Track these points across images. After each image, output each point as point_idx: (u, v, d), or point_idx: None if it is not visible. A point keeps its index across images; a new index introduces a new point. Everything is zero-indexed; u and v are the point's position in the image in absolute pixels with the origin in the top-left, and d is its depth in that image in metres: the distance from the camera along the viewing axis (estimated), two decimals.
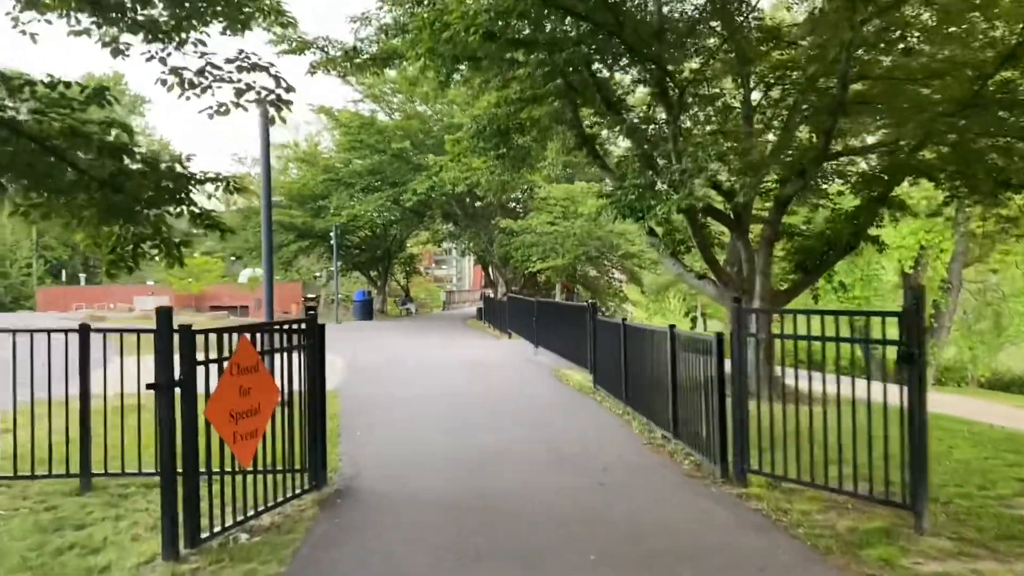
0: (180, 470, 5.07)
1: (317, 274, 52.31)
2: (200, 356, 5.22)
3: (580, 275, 32.59)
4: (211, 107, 6.49)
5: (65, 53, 74.60)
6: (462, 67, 12.35)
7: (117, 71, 75.62)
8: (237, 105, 6.48)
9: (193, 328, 5.24)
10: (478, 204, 31.61)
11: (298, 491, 6.23)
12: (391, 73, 28.14)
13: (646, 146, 13.06)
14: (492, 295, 34.51)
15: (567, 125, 14.75)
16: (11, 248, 59.82)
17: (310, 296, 58.53)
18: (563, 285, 40.53)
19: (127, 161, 6.06)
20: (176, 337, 5.12)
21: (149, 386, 5.10)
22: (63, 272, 61.89)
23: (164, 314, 5.13)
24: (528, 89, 12.49)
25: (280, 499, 5.98)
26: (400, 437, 8.87)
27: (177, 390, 5.05)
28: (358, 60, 13.19)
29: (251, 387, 5.49)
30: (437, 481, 6.93)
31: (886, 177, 12.06)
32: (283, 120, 7.25)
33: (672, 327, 8.43)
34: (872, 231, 12.93)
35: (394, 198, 28.88)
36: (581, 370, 14.56)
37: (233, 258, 47.82)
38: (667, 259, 14.00)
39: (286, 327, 6.29)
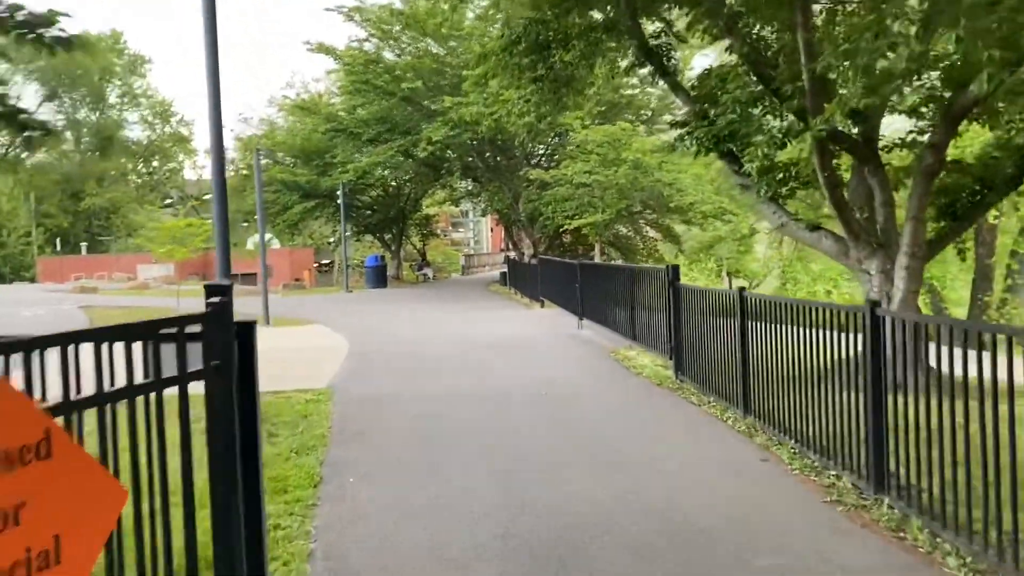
0: None
1: (331, 239, 49.18)
2: None
3: (611, 233, 29.13)
4: None
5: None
6: None
7: (115, 29, 72.31)
8: None
9: None
10: (499, 158, 28.03)
11: None
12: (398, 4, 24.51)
13: (746, 50, 9.52)
14: (517, 258, 31.12)
15: (626, 34, 11.26)
16: (8, 215, 56.94)
17: (324, 262, 55.72)
18: (590, 244, 37.13)
19: None
20: None
21: None
22: (63, 241, 59.12)
23: None
24: None
25: None
26: (420, 491, 5.55)
27: None
28: None
29: (27, 501, 2.16)
30: None
31: None
32: None
33: (875, 305, 5.04)
34: None
35: (405, 149, 25.38)
36: (647, 351, 11.24)
37: (244, 223, 44.67)
38: (765, 205, 10.53)
39: (153, 331, 2.92)
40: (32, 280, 53.17)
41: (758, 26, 9.62)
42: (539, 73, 12.11)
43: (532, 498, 5.14)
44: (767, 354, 6.72)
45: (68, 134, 70.93)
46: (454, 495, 5.25)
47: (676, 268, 9.68)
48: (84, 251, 56.15)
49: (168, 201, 75.02)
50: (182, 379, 2.84)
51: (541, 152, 28.51)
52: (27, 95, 63.21)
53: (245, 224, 44.40)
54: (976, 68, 6.19)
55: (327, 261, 52.34)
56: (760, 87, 9.21)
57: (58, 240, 58.69)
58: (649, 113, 26.84)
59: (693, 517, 4.75)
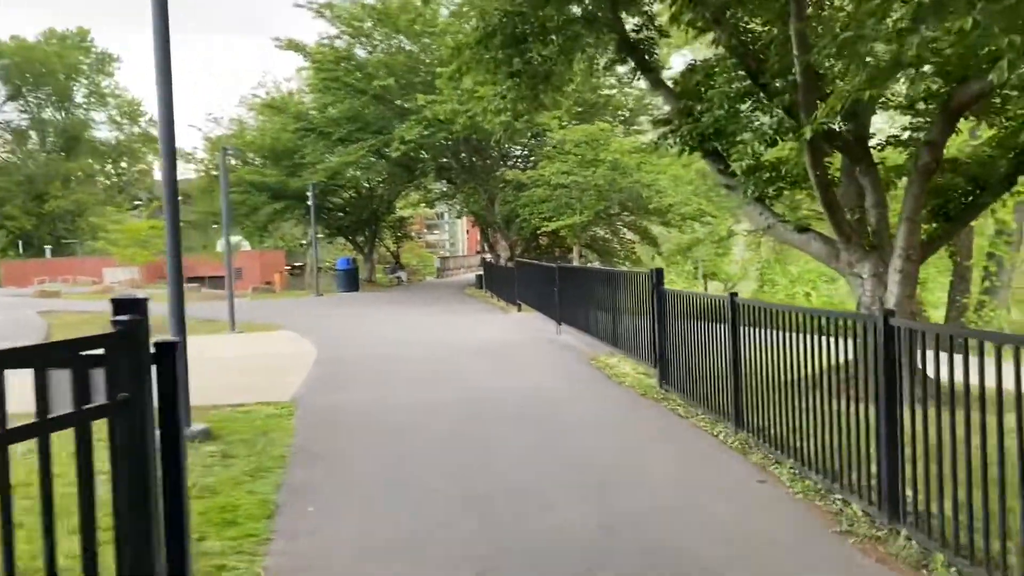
0: None
1: (303, 241, 48.29)
2: None
3: (588, 235, 28.68)
4: None
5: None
6: None
7: (82, 27, 70.59)
8: None
9: None
10: (475, 159, 27.47)
11: None
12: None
13: (734, 42, 9.07)
14: (493, 261, 30.59)
15: (606, 28, 10.82)
16: None
17: (296, 265, 54.77)
18: (567, 247, 36.66)
19: None
20: None
21: None
22: (26, 244, 57.49)
23: None
24: None
25: None
26: (389, 524, 4.99)
27: None
28: None
29: None
30: None
31: None
32: None
33: (890, 314, 4.58)
34: None
35: (377, 149, 24.74)
36: (628, 357, 10.78)
37: (215, 224, 43.65)
38: (751, 206, 10.11)
39: (45, 358, 2.33)
40: None
41: (747, 17, 9.18)
42: (516, 68, 11.59)
43: (515, 532, 4.61)
44: (762, 364, 6.26)
45: (33, 134, 69.32)
46: (428, 529, 4.70)
47: (660, 272, 9.21)
48: (48, 254, 54.63)
49: (137, 203, 73.54)
50: (80, 418, 2.27)
51: (518, 153, 28.01)
52: None
53: (215, 226, 43.41)
54: (987, 56, 5.78)
55: (299, 264, 51.39)
56: (748, 82, 8.77)
57: (20, 243, 57.09)
58: (627, 114, 26.46)
59: (695, 552, 4.25)
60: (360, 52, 24.29)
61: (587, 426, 7.45)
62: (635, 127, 26.53)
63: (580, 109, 21.14)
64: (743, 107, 8.86)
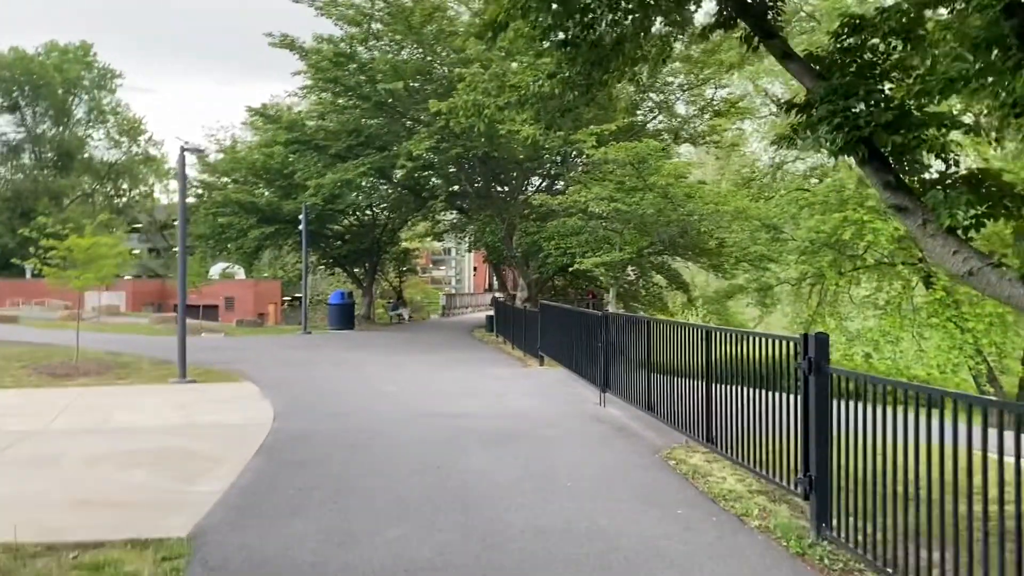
0: None
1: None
2: None
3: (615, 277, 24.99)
4: None
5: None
6: None
7: (85, 41, 68.09)
8: None
9: None
10: (492, 183, 23.92)
11: None
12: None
13: None
14: (507, 300, 26.89)
15: None
16: None
17: (295, 296, 51.15)
18: (588, 292, 32.89)
19: None
20: None
21: None
22: (6, 262, 53.96)
23: None
24: None
25: None
26: None
27: None
28: None
29: None
30: None
31: None
32: None
33: None
34: None
35: (380, 167, 21.20)
36: (731, 463, 7.06)
37: (219, 252, 40.20)
38: (940, 239, 6.43)
39: None
40: None
41: None
42: (571, 35, 8.09)
43: None
44: None
45: (27, 149, 66.33)
46: None
47: (822, 341, 5.45)
48: (29, 275, 51.08)
49: (137, 226, 70.31)
50: None
51: (541, 175, 24.39)
52: None
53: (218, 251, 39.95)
54: None
55: (298, 295, 47.91)
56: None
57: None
58: (669, 139, 22.92)
59: None
60: (365, 54, 20.86)
61: None
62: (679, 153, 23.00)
63: (616, 127, 17.67)
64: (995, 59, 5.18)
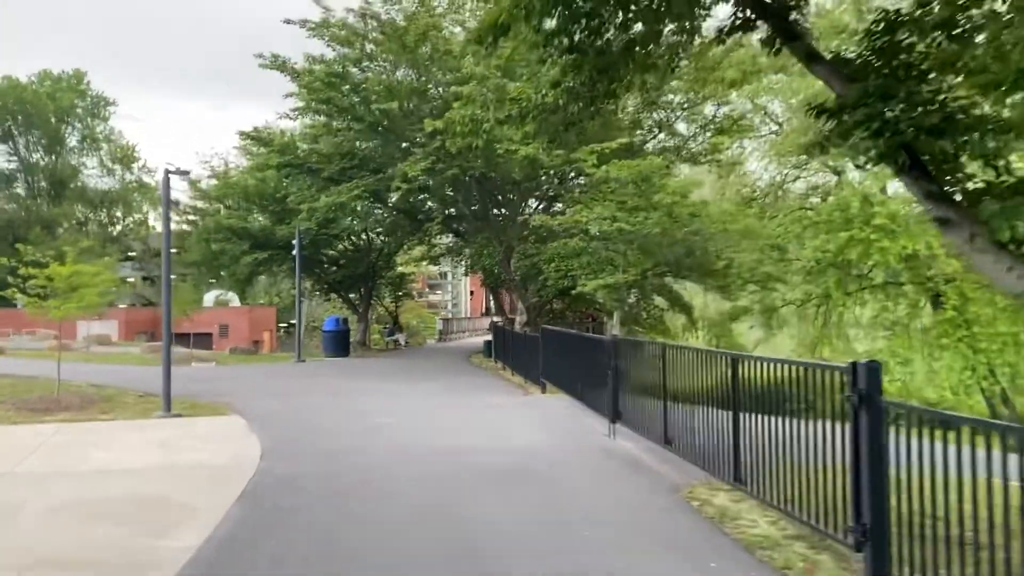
0: None
1: (302, 298, 44.09)
2: None
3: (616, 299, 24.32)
4: None
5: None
6: None
7: (78, 69, 67.83)
8: None
9: None
10: (489, 204, 23.36)
11: None
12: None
13: None
14: (505, 325, 26.23)
15: None
16: None
17: (292, 323, 50.50)
18: (588, 315, 32.19)
19: None
20: None
21: None
22: None
23: None
24: None
25: None
26: None
27: None
28: None
29: None
30: None
31: None
32: None
33: None
34: None
35: (374, 190, 20.62)
36: (759, 504, 6.41)
37: (212, 279, 39.51)
38: (991, 255, 5.84)
39: None
40: None
41: None
42: (578, 40, 7.56)
43: None
44: None
45: (20, 178, 65.77)
46: None
47: (874, 370, 4.81)
48: (20, 304, 50.24)
49: (131, 254, 69.62)
50: None
51: (538, 196, 23.79)
52: None
53: (212, 280, 39.27)
54: None
55: (294, 322, 47.23)
56: None
57: None
58: (672, 157, 22.37)
59: None
60: (359, 75, 20.32)
61: None
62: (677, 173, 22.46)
63: (617, 146, 17.13)
64: None
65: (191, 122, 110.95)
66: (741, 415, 6.77)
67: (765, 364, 6.34)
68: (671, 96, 20.61)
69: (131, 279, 63.61)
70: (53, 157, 64.95)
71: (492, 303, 42.29)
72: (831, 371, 5.29)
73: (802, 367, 5.67)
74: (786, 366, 5.91)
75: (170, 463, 8.43)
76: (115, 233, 68.85)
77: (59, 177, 63.52)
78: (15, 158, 64.76)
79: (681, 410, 8.17)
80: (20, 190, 65.15)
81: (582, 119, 9.20)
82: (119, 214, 70.34)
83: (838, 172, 27.09)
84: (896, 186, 23.29)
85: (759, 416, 6.46)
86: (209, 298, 50.61)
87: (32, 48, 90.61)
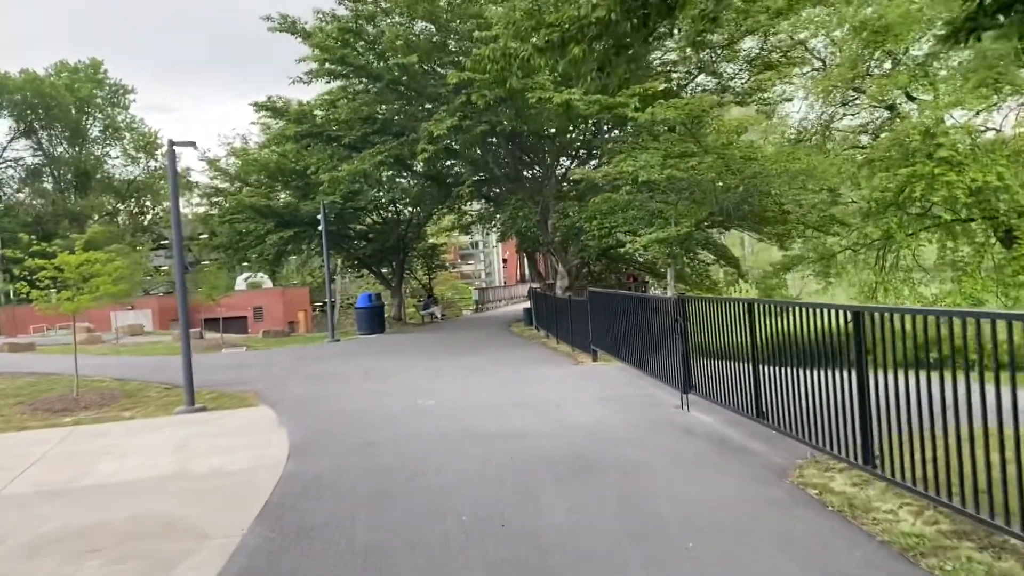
0: None
1: (335, 276, 43.23)
2: None
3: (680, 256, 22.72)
4: None
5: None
6: None
7: (95, 58, 67.13)
8: None
9: None
10: (522, 163, 21.91)
11: None
12: None
13: None
14: (544, 291, 24.93)
15: None
16: None
17: (326, 302, 49.74)
18: (629, 276, 30.78)
19: None
20: None
21: None
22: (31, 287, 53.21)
23: None
24: None
25: None
26: None
27: None
28: None
29: None
30: None
31: None
32: None
33: None
34: None
35: (398, 156, 19.31)
36: (898, 489, 5.11)
37: (244, 263, 38.71)
38: None
39: None
40: None
41: None
42: None
43: None
44: None
45: (46, 172, 65.61)
46: None
47: None
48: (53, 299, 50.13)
49: (164, 242, 69.31)
50: None
51: (570, 154, 22.23)
52: None
53: (245, 263, 38.40)
54: None
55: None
56: None
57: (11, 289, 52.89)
58: (718, 98, 20.68)
59: None
60: (373, 30, 18.87)
61: None
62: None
63: (659, 89, 15.59)
64: None
65: (219, 111, 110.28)
66: (868, 377, 5.43)
67: (901, 316, 4.95)
68: (710, 36, 18.93)
69: (164, 267, 63.36)
70: (76, 149, 64.56)
71: (528, 270, 41.01)
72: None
73: (971, 317, 4.28)
74: (942, 318, 4.52)
75: (184, 471, 7.31)
76: (145, 222, 68.56)
77: (84, 168, 63.16)
78: (40, 152, 64.52)
79: (778, 374, 6.83)
80: (48, 184, 64.99)
81: (634, 43, 7.77)
82: (148, 203, 69.99)
83: (891, 107, 25.20)
84: (956, 117, 21.48)
85: (895, 375, 5.12)
86: (240, 281, 49.89)
87: (50, 39, 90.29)
